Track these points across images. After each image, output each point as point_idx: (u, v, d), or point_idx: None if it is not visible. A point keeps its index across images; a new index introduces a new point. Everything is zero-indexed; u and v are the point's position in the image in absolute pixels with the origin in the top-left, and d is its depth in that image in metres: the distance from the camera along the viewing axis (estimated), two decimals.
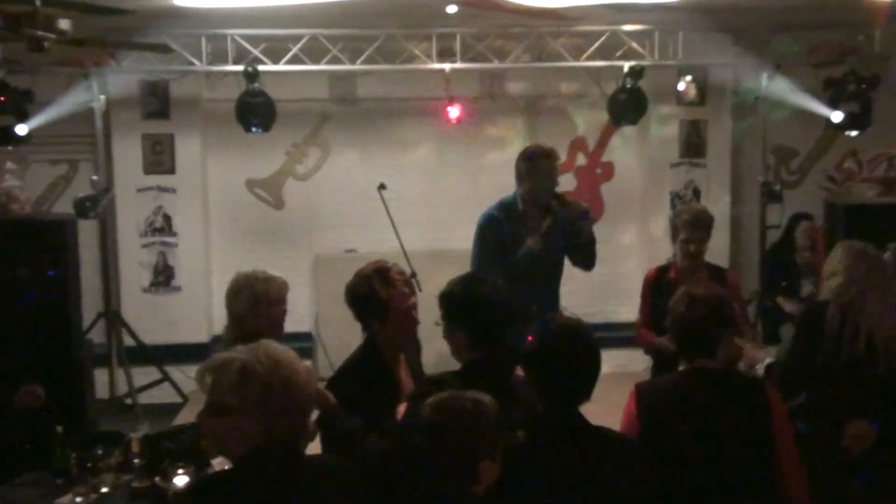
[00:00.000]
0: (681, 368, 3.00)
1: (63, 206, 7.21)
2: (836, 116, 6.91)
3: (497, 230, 4.60)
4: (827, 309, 3.64)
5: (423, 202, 7.61)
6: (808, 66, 7.15)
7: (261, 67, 6.66)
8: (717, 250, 5.95)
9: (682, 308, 2.97)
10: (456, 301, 2.92)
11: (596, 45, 6.94)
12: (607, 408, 2.98)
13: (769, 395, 2.94)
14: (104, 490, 3.25)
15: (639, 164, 8.01)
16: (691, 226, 4.28)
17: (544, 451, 2.50)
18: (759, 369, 3.87)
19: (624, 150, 7.99)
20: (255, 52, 6.74)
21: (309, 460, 2.24)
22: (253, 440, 2.11)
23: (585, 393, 2.60)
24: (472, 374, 2.78)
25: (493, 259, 4.51)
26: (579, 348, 2.61)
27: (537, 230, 4.54)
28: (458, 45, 6.86)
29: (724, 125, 7.78)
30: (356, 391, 3.07)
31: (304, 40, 6.73)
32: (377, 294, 3.14)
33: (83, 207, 6.53)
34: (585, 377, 2.60)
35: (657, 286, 4.37)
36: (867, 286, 3.59)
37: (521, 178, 4.65)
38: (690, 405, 2.85)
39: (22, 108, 6.39)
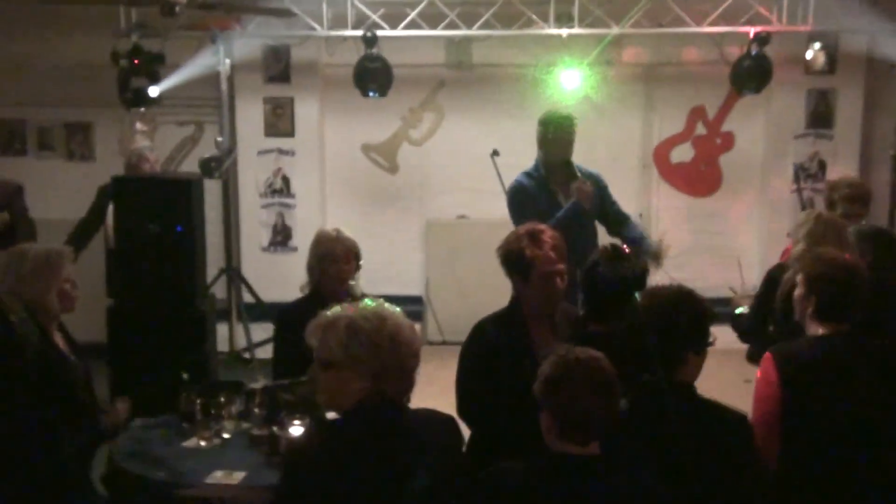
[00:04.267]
0: (817, 333, 2.90)
1: (190, 166, 7.54)
2: None
3: (530, 195, 4.75)
4: (783, 272, 3.63)
5: None
6: None
7: (379, 32, 6.73)
8: None
9: (829, 270, 2.91)
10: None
11: (720, 9, 6.70)
12: (720, 384, 2.94)
13: None
14: (226, 436, 3.42)
15: (761, 135, 7.73)
16: (850, 200, 4.16)
17: (648, 418, 2.48)
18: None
19: (746, 119, 7.70)
20: (374, 17, 6.82)
21: (413, 413, 2.31)
22: (360, 394, 2.19)
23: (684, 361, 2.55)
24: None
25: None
26: (684, 313, 2.56)
27: (566, 193, 4.71)
28: (576, 10, 6.74)
29: (855, 95, 7.41)
30: (489, 337, 3.19)
31: (421, 5, 6.75)
32: (523, 252, 3.18)
33: (208, 167, 6.81)
34: (689, 342, 2.56)
35: None
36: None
37: (538, 143, 4.79)
38: (839, 372, 2.79)
39: (154, 70, 6.68)
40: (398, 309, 2.32)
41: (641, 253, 4.57)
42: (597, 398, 2.25)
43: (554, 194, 4.81)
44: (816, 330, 2.91)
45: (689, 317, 2.55)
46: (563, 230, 4.45)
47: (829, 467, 2.74)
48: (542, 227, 3.29)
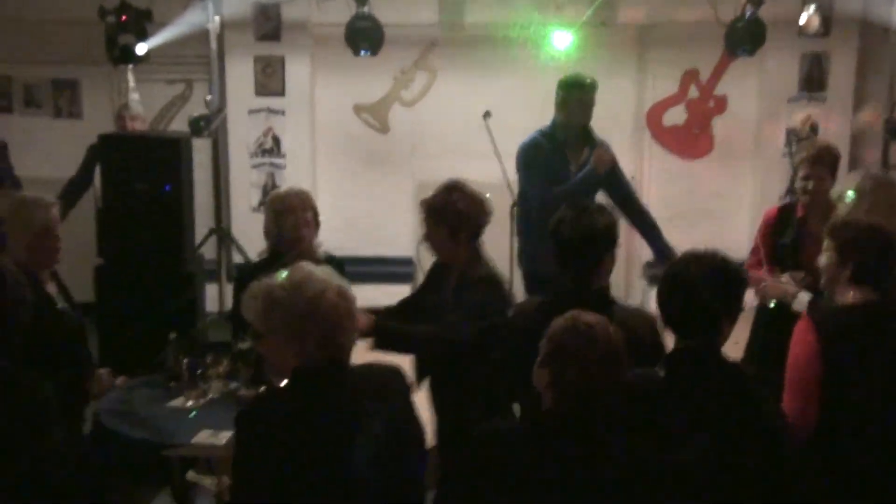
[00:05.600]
0: (851, 300, 2.90)
1: (179, 125, 7.47)
2: None
3: (543, 155, 4.68)
4: None
5: (528, 132, 7.51)
6: None
7: None
8: None
9: (865, 234, 2.90)
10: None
11: None
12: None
13: None
14: (212, 396, 3.43)
15: (754, 98, 7.68)
16: (811, 162, 4.10)
17: (683, 386, 2.46)
18: (799, 304, 3.71)
19: (739, 82, 7.65)
20: None
21: (356, 368, 2.35)
22: (294, 359, 2.25)
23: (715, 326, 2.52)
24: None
25: (543, 183, 4.62)
26: (730, 280, 2.54)
27: (577, 160, 4.67)
28: None
29: (849, 58, 7.37)
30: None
31: None
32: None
33: (197, 126, 6.74)
34: (727, 309, 2.53)
35: (781, 224, 4.15)
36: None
37: (557, 106, 4.73)
38: (878, 336, 2.81)
39: (141, 27, 6.58)
40: (329, 271, 2.34)
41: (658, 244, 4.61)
42: (600, 370, 2.24)
43: (566, 159, 4.74)
44: (848, 296, 2.90)
45: (732, 283, 2.53)
46: (574, 195, 4.46)
47: (869, 430, 2.77)
48: (455, 185, 3.55)
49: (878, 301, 2.87)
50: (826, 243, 3.00)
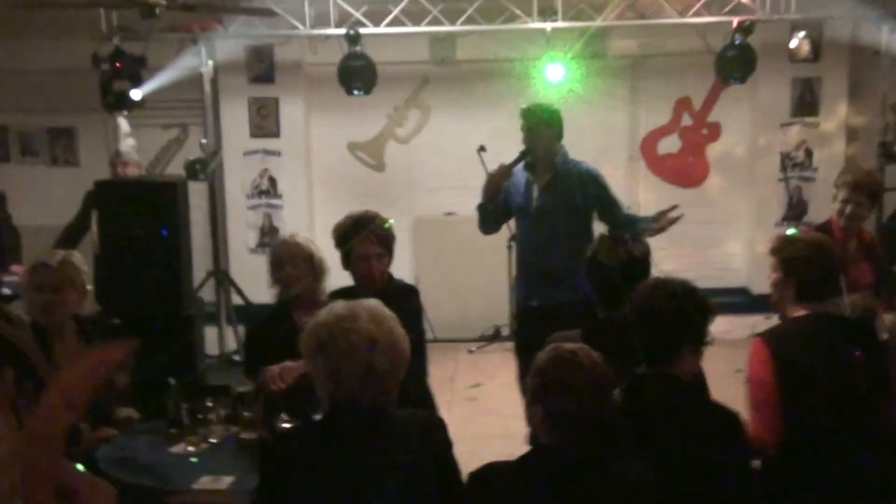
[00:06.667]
0: (798, 314, 2.92)
1: (175, 169, 7.49)
2: None
3: (511, 181, 4.72)
4: None
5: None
6: None
7: (362, 30, 6.70)
8: None
9: (806, 252, 2.94)
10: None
11: None
12: (711, 375, 2.92)
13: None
14: (213, 440, 3.39)
15: (747, 124, 7.73)
16: (851, 188, 4.10)
17: (638, 411, 2.46)
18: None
19: (732, 109, 7.70)
20: (357, 15, 6.78)
21: (393, 415, 2.30)
22: (320, 387, 2.24)
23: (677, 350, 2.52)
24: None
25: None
26: (681, 308, 2.54)
27: (542, 182, 4.66)
28: (559, 3, 6.72)
29: (840, 82, 7.42)
30: None
31: (404, 2, 6.71)
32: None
33: (193, 170, 6.76)
34: (683, 338, 2.53)
35: None
36: None
37: None
38: (819, 346, 2.83)
39: (136, 73, 6.63)
40: (389, 317, 2.28)
41: (638, 227, 4.55)
42: (591, 396, 2.23)
43: (529, 183, 4.76)
44: (796, 311, 2.92)
45: (685, 312, 2.52)
46: (483, 207, 4.71)
47: (827, 441, 2.77)
48: (373, 215, 3.87)
49: (821, 312, 2.90)
50: (772, 262, 3.02)
